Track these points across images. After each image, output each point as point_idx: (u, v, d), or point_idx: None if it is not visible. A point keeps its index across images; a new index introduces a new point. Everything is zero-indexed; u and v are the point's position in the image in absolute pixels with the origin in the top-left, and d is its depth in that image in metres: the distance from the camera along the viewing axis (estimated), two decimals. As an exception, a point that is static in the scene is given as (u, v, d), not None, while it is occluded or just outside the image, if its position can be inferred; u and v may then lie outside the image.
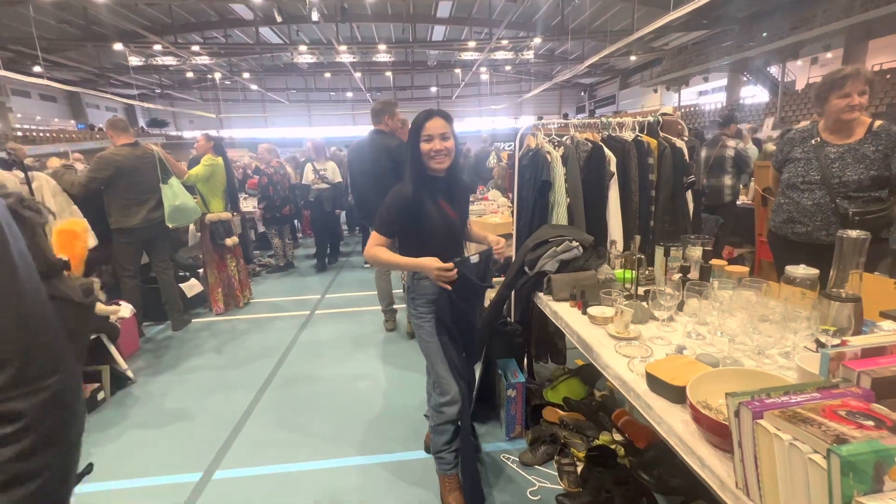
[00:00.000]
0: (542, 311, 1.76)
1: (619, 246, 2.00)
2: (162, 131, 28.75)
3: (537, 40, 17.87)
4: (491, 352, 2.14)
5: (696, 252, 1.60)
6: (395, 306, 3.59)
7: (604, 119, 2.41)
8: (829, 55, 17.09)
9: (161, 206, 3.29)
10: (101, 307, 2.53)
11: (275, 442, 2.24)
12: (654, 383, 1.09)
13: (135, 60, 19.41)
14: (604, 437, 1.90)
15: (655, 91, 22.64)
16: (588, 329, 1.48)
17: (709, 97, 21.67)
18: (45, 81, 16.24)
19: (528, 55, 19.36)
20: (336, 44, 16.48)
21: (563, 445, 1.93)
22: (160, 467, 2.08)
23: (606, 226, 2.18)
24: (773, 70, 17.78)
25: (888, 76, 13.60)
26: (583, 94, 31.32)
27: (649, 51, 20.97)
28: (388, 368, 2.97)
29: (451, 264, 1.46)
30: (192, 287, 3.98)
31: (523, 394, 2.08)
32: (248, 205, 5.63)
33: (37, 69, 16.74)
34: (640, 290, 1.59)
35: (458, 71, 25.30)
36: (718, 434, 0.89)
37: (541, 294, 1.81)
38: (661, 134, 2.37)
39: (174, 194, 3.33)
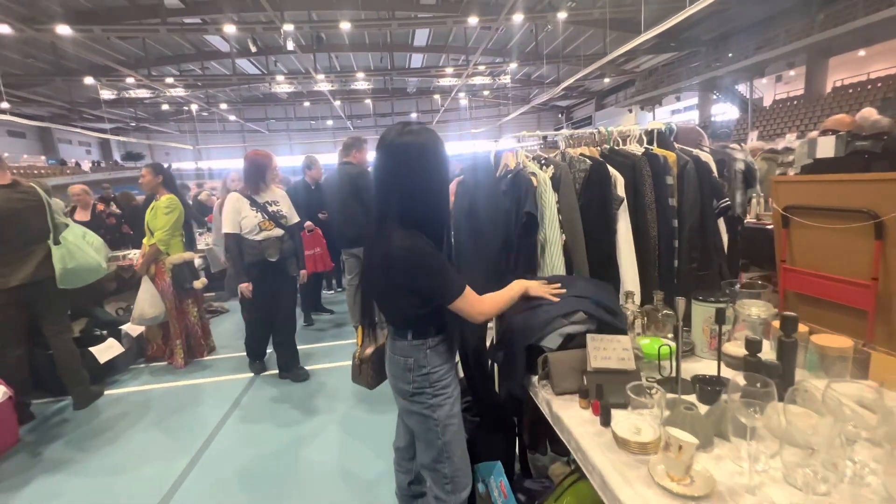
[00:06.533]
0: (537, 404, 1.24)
1: (637, 298, 1.50)
2: (137, 164, 28.10)
3: (513, 65, 18.18)
4: (469, 453, 1.50)
5: (754, 309, 1.10)
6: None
7: (602, 129, 1.95)
8: (792, 73, 17.83)
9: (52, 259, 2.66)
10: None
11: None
12: None
13: (107, 94, 19.07)
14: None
15: (630, 111, 23.17)
16: (615, 460, 0.86)
17: (682, 115, 22.28)
18: (9, 117, 15.71)
19: (505, 80, 19.69)
20: (314, 73, 16.44)
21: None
22: None
23: (617, 270, 1.70)
24: (741, 88, 18.41)
25: (850, 91, 14.14)
26: (560, 115, 31.98)
27: (622, 73, 21.58)
28: (342, 434, 2.46)
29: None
30: (107, 349, 3.26)
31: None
32: (203, 241, 5.01)
33: (4, 105, 16.14)
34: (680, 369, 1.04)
35: (437, 97, 25.57)
36: None
37: (534, 378, 1.25)
38: (677, 146, 1.91)
39: (69, 255, 2.68)
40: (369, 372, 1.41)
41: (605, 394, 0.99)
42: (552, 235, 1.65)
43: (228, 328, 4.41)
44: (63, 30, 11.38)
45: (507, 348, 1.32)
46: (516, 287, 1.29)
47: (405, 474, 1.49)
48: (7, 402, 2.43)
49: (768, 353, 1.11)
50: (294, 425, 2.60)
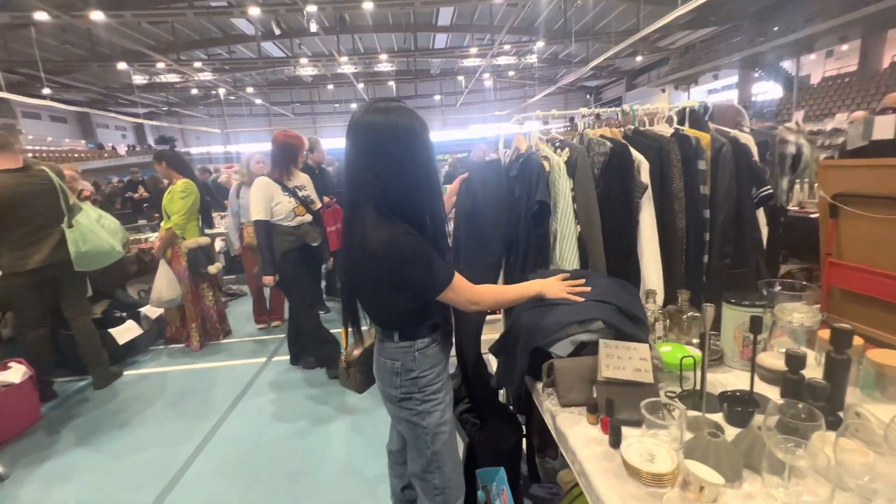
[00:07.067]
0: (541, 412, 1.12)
1: (660, 298, 1.32)
2: (169, 148, 29.00)
3: (540, 44, 17.50)
4: (470, 457, 1.45)
5: (796, 315, 0.94)
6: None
7: (627, 108, 1.76)
8: (844, 47, 16.43)
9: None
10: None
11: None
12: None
13: (139, 79, 19.62)
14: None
15: (664, 91, 22.06)
16: (623, 492, 0.75)
17: (719, 95, 21.03)
18: (50, 103, 16.37)
19: (532, 59, 19.04)
20: (337, 55, 16.33)
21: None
22: None
23: (638, 266, 1.53)
24: (787, 64, 17.13)
25: (911, 66, 12.93)
26: (588, 96, 30.81)
27: (655, 50, 20.45)
28: (350, 425, 2.43)
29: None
30: (127, 331, 3.36)
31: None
32: (224, 224, 4.99)
33: (46, 91, 16.86)
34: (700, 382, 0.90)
35: (461, 78, 25.03)
36: None
37: (538, 385, 1.14)
38: (713, 126, 1.70)
39: (82, 238, 2.71)
40: (357, 375, 1.33)
41: (616, 409, 0.86)
42: (566, 227, 1.49)
43: (245, 311, 4.45)
44: (96, 15, 11.65)
45: (510, 347, 1.21)
46: (528, 286, 1.16)
47: (398, 479, 1.42)
48: (27, 381, 2.51)
49: (812, 367, 0.96)
50: (302, 414, 2.60)
